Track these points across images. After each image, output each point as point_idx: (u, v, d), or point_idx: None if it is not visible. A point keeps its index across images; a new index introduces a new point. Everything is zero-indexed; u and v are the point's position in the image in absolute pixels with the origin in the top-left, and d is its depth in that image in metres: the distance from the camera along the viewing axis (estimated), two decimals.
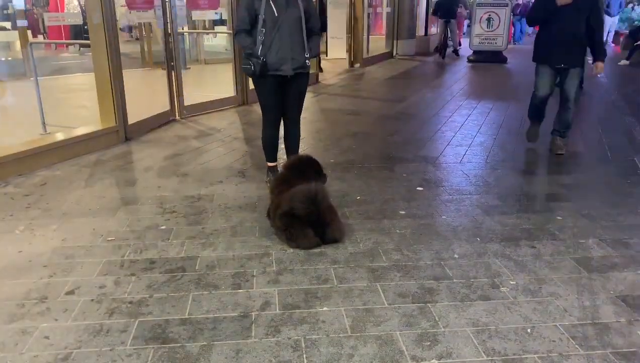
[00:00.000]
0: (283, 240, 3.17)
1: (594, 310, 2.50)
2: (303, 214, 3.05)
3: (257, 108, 7.31)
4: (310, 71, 4.19)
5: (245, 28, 3.83)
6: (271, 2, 3.71)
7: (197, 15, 8.04)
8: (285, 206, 3.12)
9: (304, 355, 2.15)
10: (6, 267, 2.88)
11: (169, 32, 6.39)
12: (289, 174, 3.40)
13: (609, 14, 16.27)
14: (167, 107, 6.50)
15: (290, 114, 4.09)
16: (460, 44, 15.60)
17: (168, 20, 6.31)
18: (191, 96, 6.84)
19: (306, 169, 3.45)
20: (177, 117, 6.58)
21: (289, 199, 3.11)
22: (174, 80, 6.48)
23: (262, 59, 3.76)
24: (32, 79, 5.59)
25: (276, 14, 3.72)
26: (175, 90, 6.53)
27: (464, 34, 18.02)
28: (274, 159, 4.22)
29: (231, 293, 2.63)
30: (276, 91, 3.94)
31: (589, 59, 5.05)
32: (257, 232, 3.35)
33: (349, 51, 12.38)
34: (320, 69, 10.76)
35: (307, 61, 3.91)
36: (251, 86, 7.42)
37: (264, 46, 3.76)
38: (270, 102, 3.99)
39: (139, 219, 3.54)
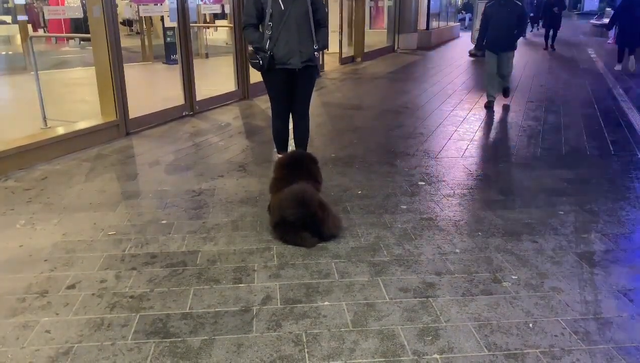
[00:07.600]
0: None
1: (596, 305, 2.50)
2: (295, 220, 3.02)
3: (258, 103, 7.32)
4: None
5: (252, 23, 3.83)
6: None
7: (205, 9, 8.08)
8: (276, 217, 3.10)
9: (305, 350, 2.15)
10: (7, 261, 2.88)
11: (183, 26, 6.30)
12: (286, 172, 3.37)
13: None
14: (180, 102, 6.43)
15: (298, 106, 4.08)
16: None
17: (180, 14, 6.24)
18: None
19: (302, 165, 3.43)
20: (191, 111, 6.51)
21: (278, 207, 3.08)
22: (186, 74, 6.38)
23: (269, 53, 3.76)
24: (32, 73, 5.57)
25: (282, 8, 3.71)
26: (188, 84, 6.44)
27: None
28: (285, 150, 4.22)
29: (232, 287, 2.62)
30: (285, 85, 3.94)
31: None
32: (258, 226, 3.34)
33: (350, 45, 12.32)
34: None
35: (315, 54, 3.90)
36: (252, 80, 7.52)
37: (271, 40, 3.76)
38: (279, 95, 4.01)
39: (139, 213, 3.53)
